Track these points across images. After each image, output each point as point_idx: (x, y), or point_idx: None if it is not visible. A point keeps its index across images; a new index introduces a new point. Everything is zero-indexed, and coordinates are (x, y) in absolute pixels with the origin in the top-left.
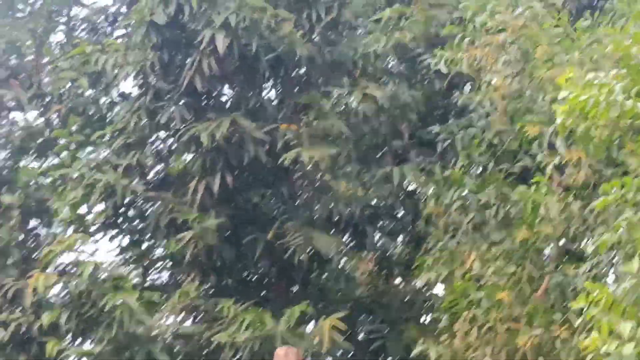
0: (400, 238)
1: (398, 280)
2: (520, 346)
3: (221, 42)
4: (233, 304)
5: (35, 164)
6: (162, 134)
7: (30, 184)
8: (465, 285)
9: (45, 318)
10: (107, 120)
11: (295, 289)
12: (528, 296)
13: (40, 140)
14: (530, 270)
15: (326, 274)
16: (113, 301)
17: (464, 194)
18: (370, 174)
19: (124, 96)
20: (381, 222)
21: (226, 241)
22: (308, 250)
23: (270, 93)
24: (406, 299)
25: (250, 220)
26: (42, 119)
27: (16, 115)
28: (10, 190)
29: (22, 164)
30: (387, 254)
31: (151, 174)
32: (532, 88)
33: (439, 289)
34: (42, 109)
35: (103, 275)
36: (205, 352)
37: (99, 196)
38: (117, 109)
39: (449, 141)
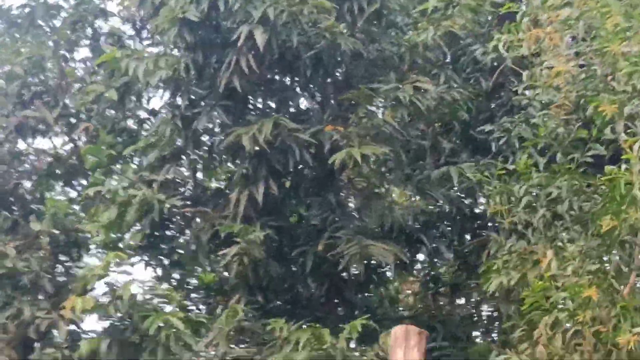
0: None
1: (458, 292)
2: (613, 349)
3: (260, 38)
4: (285, 323)
5: (63, 191)
6: (199, 143)
7: (59, 211)
8: (544, 286)
9: (84, 347)
10: (139, 134)
11: (348, 304)
12: (616, 294)
13: (67, 164)
14: (616, 265)
15: (381, 287)
16: (157, 322)
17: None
18: (423, 176)
19: (154, 113)
20: (437, 228)
21: (273, 256)
22: (363, 260)
23: (313, 92)
24: (466, 313)
25: (298, 232)
26: (69, 145)
27: (42, 142)
28: (38, 219)
29: (50, 193)
30: (443, 265)
31: (189, 188)
32: (603, 65)
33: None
34: (68, 129)
35: (145, 297)
36: None
37: (134, 214)
38: (149, 121)
39: (504, 138)
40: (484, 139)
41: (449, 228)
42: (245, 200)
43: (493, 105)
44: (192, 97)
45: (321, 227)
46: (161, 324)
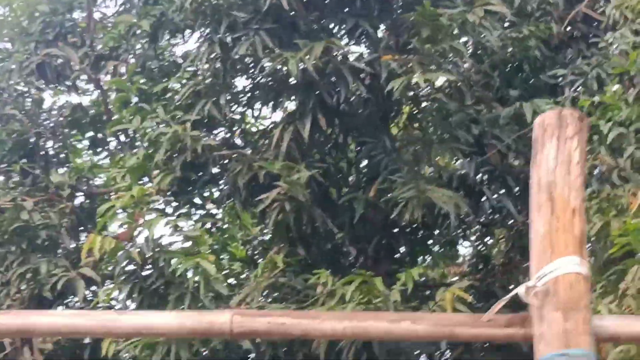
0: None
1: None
2: None
3: None
4: (329, 275)
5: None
6: (239, 75)
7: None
8: (636, 226)
9: (102, 295)
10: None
11: (398, 261)
12: None
13: (93, 113)
14: None
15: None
16: (185, 266)
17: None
18: (491, 115)
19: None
20: (504, 182)
21: (317, 203)
22: (422, 206)
23: (368, 15)
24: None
25: (346, 176)
26: (95, 91)
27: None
28: (60, 170)
29: (73, 144)
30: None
31: (226, 128)
32: None
33: None
34: (94, 71)
35: (172, 238)
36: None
37: (165, 154)
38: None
39: (580, 81)
40: (554, 85)
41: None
42: (289, 138)
43: (565, 51)
44: (233, 20)
45: (373, 173)
46: (189, 268)
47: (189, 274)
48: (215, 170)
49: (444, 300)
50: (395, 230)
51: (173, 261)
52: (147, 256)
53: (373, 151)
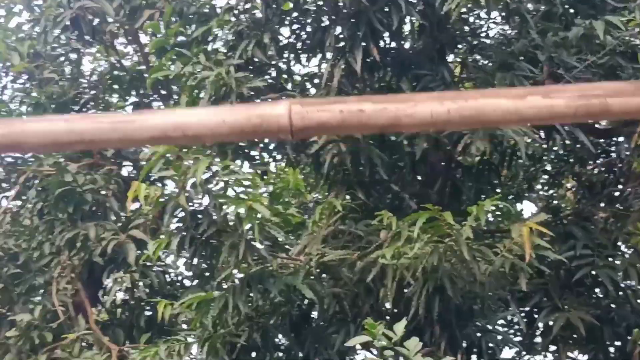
0: None
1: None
2: None
3: None
4: (393, 217)
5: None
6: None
7: None
8: None
9: (152, 248)
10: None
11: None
12: None
13: (132, 70)
14: None
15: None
16: (237, 209)
17: None
18: (558, 37)
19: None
20: None
21: (375, 143)
22: (489, 138)
23: None
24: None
25: None
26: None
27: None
28: None
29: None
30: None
31: (272, 69)
32: None
33: None
34: (130, 22)
35: (221, 184)
36: (358, 281)
37: (209, 99)
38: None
39: None
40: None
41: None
42: (339, 74)
43: None
44: None
45: None
46: (242, 212)
47: (242, 219)
48: None
49: (520, 236)
50: (459, 172)
51: (224, 206)
52: (196, 203)
53: (431, 83)
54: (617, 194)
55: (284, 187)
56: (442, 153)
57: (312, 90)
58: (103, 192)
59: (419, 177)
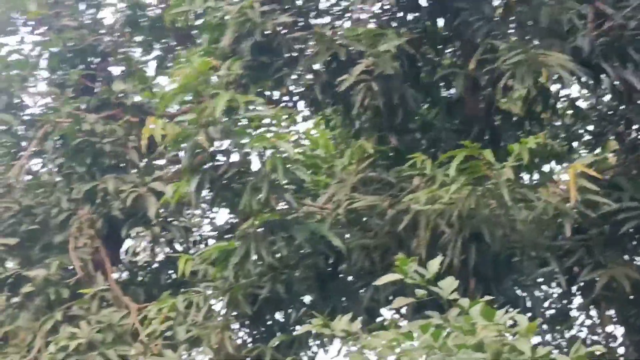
0: None
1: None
2: None
3: None
4: (428, 159)
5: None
6: None
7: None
8: None
9: (169, 192)
10: None
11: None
12: None
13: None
14: None
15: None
16: (260, 146)
17: None
18: None
19: None
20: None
21: (409, 82)
22: (533, 72)
23: None
24: None
25: (441, 52)
26: None
27: None
28: (123, 80)
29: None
30: None
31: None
32: None
33: None
34: None
35: (242, 118)
36: (389, 231)
37: (232, 37)
38: None
39: None
40: None
41: None
42: (373, 2)
43: None
44: None
45: (471, 46)
46: (265, 150)
47: (266, 158)
48: (289, 55)
49: (566, 179)
50: (499, 120)
51: (248, 144)
52: (216, 142)
53: (471, 17)
54: None
55: (313, 148)
56: (481, 96)
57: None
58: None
59: (456, 123)
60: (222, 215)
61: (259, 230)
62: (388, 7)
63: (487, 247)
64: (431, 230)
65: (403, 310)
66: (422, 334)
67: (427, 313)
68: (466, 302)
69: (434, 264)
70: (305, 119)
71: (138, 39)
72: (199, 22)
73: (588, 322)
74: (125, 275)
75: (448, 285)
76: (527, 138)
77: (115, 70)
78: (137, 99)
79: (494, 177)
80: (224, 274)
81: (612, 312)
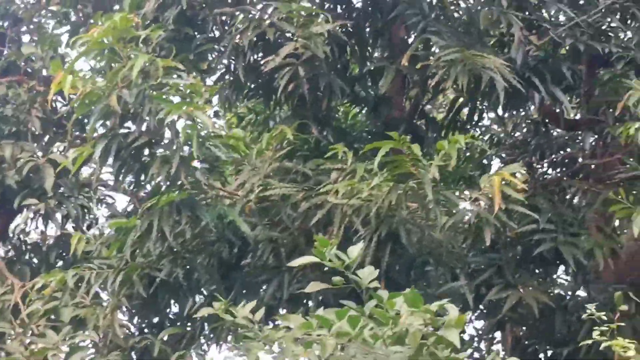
0: None
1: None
2: None
3: None
4: (349, 152)
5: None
6: None
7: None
8: None
9: (72, 156)
10: None
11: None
12: None
13: None
14: None
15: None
16: (175, 115)
17: None
18: None
19: None
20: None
21: (336, 70)
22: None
23: None
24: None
25: (373, 45)
26: None
27: None
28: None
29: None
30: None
31: None
32: None
33: None
34: None
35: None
36: (300, 224)
37: (155, 3)
38: None
39: None
40: None
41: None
42: None
43: None
44: None
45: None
46: (180, 120)
47: (180, 128)
48: (215, 30)
49: (490, 186)
50: (423, 121)
51: (161, 113)
52: (128, 104)
53: (408, 11)
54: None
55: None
56: (410, 95)
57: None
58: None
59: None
60: (121, 202)
61: (163, 207)
62: None
63: (403, 250)
64: (345, 227)
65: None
66: (337, 321)
67: (343, 302)
68: (385, 293)
69: (355, 250)
70: (226, 99)
71: (53, 8)
72: None
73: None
74: (12, 253)
75: (367, 275)
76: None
77: (27, 38)
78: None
79: (419, 175)
80: (120, 252)
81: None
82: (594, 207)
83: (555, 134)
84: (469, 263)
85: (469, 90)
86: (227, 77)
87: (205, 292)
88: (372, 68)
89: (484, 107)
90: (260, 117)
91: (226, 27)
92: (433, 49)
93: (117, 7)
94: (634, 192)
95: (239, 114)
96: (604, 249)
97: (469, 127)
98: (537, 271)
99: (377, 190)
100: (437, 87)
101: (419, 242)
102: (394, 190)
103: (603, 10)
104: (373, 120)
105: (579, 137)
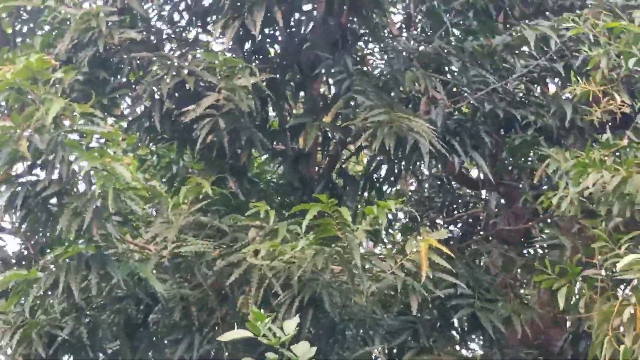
0: None
1: None
2: None
3: None
4: (272, 210)
5: None
6: None
7: None
8: None
9: None
10: None
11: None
12: None
13: None
14: None
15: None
16: (91, 165)
17: None
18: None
19: None
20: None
21: (257, 127)
22: (395, 134)
23: None
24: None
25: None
26: None
27: None
28: None
29: None
30: None
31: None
32: None
33: None
34: None
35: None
36: (214, 282)
37: (70, 42)
38: None
39: None
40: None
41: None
42: (234, 31)
43: None
44: None
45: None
46: (95, 170)
47: (94, 179)
48: (132, 78)
49: (416, 253)
50: (340, 180)
51: (74, 161)
52: (41, 152)
53: (334, 68)
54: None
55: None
56: (330, 152)
57: (198, 56)
58: None
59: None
60: (13, 245)
61: (71, 261)
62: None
63: (324, 315)
64: (264, 290)
65: None
66: None
67: None
68: None
69: (291, 325)
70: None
71: None
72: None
73: None
74: None
75: (303, 352)
76: (386, 201)
77: None
78: None
79: (346, 239)
80: (18, 307)
81: None
82: (512, 272)
83: (460, 192)
84: (383, 326)
85: (394, 152)
86: (143, 120)
87: (109, 352)
88: (293, 123)
89: (402, 167)
90: (162, 160)
91: (141, 73)
92: (357, 109)
93: (22, 40)
94: (550, 259)
95: (141, 156)
96: (521, 317)
97: (386, 186)
98: (456, 335)
99: (301, 253)
100: (359, 146)
101: (342, 307)
102: (320, 255)
103: (521, 78)
104: (291, 175)
105: (482, 197)
